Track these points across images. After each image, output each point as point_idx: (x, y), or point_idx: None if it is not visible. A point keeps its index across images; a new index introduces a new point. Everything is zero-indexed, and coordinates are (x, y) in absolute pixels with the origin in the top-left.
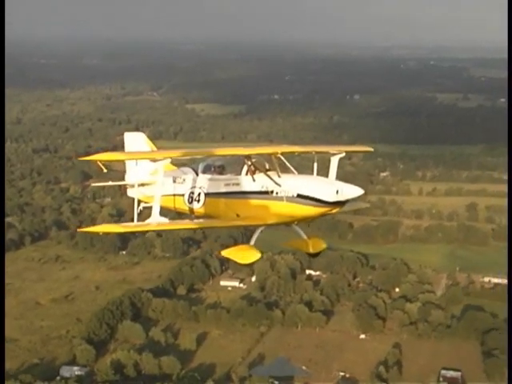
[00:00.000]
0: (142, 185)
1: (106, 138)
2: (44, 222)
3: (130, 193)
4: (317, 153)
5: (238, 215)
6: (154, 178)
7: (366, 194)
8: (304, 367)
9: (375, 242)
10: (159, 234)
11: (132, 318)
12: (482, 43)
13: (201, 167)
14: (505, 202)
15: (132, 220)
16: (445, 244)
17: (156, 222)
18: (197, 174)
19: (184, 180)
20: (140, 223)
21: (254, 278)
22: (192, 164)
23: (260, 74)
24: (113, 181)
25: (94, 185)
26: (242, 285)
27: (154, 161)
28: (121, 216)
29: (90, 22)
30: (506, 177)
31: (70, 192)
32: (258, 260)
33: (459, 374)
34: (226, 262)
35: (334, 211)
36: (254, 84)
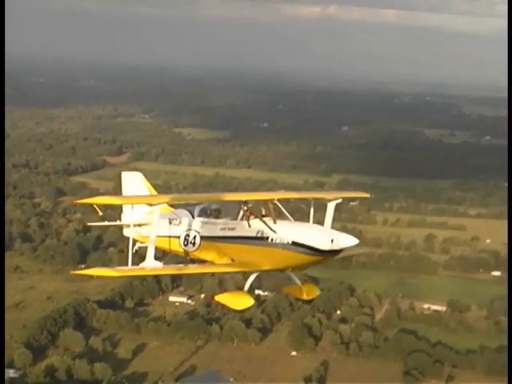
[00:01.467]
0: (139, 225)
1: (88, 156)
2: (10, 235)
3: (126, 232)
4: (314, 199)
5: (232, 260)
6: (150, 219)
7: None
8: (232, 379)
9: (331, 267)
10: (121, 249)
11: (75, 327)
12: (480, 81)
13: (197, 210)
14: (463, 234)
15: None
16: (395, 272)
17: (150, 266)
18: (193, 217)
19: (180, 222)
20: (134, 267)
21: (202, 295)
22: (188, 206)
23: (254, 102)
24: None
25: (90, 224)
26: (190, 301)
27: (151, 205)
28: (87, 232)
29: (92, 44)
30: (471, 211)
31: (40, 207)
32: (251, 306)
33: None
34: (178, 279)
35: (327, 260)
36: (246, 111)
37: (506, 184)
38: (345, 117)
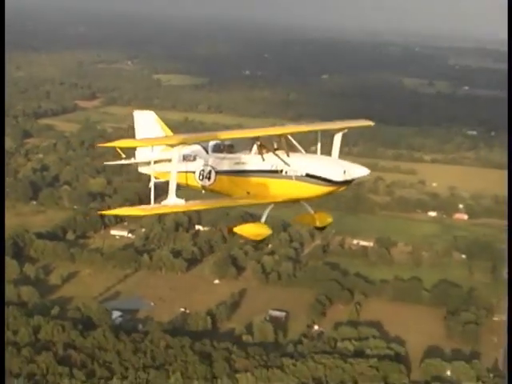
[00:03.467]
0: (155, 162)
1: (61, 100)
2: None
3: (142, 169)
4: (322, 131)
5: (248, 193)
6: (166, 156)
7: None
8: (152, 303)
9: (276, 206)
10: (70, 187)
11: (13, 256)
12: (473, 33)
13: (210, 146)
14: (412, 178)
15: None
16: (335, 211)
17: (172, 203)
18: (207, 153)
19: (194, 158)
20: (157, 205)
21: (143, 230)
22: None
23: (242, 51)
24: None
25: (106, 163)
26: (130, 235)
27: (171, 146)
28: (44, 170)
29: None
30: (427, 157)
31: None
32: (268, 236)
33: (283, 314)
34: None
35: (341, 190)
36: (231, 60)
37: (469, 132)
38: (328, 66)
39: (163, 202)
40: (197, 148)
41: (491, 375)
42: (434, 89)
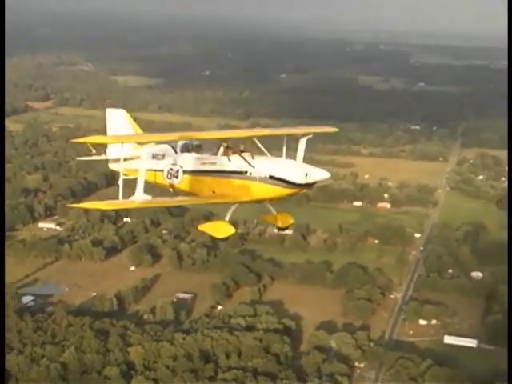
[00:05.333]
0: (124, 159)
1: (13, 102)
2: None
3: (112, 166)
4: (287, 135)
5: (214, 192)
6: (136, 154)
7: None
8: (67, 289)
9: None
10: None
11: None
12: (446, 30)
13: (179, 146)
14: (345, 171)
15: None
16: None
17: (140, 199)
18: (175, 152)
19: (163, 157)
20: (125, 200)
21: (71, 222)
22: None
23: (205, 51)
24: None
25: (78, 159)
26: (58, 227)
27: (141, 143)
28: None
29: None
30: (365, 150)
31: None
32: (232, 234)
33: (190, 296)
34: (53, 209)
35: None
36: (192, 60)
37: (412, 127)
38: (289, 65)
39: (131, 198)
40: (166, 147)
41: (372, 344)
42: (389, 85)
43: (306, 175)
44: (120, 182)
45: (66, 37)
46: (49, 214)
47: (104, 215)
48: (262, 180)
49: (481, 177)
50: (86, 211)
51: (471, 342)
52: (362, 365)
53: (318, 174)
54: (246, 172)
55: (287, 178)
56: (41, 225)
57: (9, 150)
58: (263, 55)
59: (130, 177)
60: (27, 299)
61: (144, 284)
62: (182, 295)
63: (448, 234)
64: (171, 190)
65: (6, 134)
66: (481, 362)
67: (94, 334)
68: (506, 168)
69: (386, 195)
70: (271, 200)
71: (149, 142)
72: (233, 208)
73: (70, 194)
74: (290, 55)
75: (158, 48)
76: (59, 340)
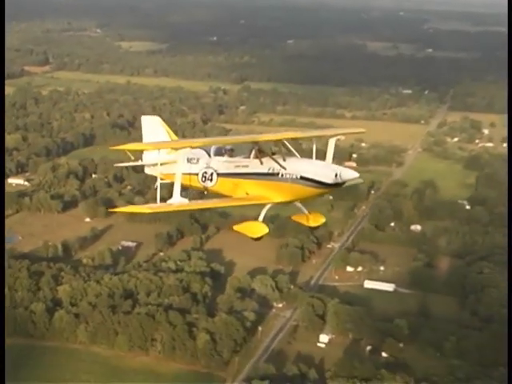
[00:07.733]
0: (160, 164)
1: (10, 66)
2: None
3: (148, 171)
4: (316, 137)
5: (247, 194)
6: (171, 158)
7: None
8: (20, 237)
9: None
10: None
11: None
12: None
13: (213, 150)
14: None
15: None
16: None
17: (177, 202)
18: (209, 156)
19: (197, 160)
20: (163, 204)
21: (41, 179)
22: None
23: (218, 18)
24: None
25: (116, 165)
26: (26, 183)
27: (176, 149)
28: None
29: None
30: (348, 114)
31: None
32: (265, 234)
33: (134, 244)
34: (25, 166)
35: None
36: (202, 27)
37: (404, 91)
38: (299, 32)
39: (169, 201)
40: (200, 151)
41: (291, 286)
42: (395, 51)
43: (336, 175)
44: (157, 186)
45: (79, 2)
46: (20, 170)
47: (70, 171)
48: (294, 181)
49: (456, 139)
50: (54, 168)
51: (389, 287)
52: (280, 305)
53: (348, 174)
54: (278, 174)
55: (318, 179)
56: (10, 180)
57: None
58: (275, 22)
59: (167, 181)
60: None
61: (93, 233)
62: (126, 243)
63: (399, 191)
64: (205, 192)
65: None
66: (390, 303)
67: (28, 274)
68: (486, 131)
69: (354, 155)
70: (303, 200)
71: (183, 148)
72: (266, 208)
73: (44, 153)
74: (303, 22)
75: (170, 15)
76: None
